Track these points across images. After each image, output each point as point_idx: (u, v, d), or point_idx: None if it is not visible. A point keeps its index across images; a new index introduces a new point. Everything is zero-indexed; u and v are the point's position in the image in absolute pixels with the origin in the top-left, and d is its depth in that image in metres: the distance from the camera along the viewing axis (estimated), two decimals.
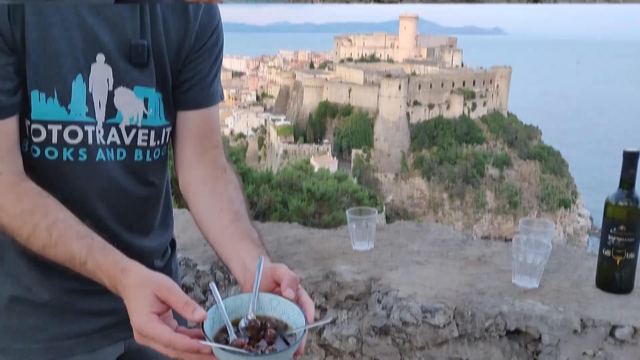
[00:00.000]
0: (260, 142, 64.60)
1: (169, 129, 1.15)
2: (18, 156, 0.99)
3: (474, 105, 60.50)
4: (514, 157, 57.79)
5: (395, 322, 1.41)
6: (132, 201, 1.13)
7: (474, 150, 57.15)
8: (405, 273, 1.57)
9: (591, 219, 55.87)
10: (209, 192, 1.15)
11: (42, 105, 0.98)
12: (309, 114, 62.47)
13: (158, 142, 1.13)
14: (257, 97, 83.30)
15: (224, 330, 0.88)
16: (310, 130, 60.98)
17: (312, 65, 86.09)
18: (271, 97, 79.48)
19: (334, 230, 2.00)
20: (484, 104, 61.41)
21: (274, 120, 63.29)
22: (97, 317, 1.14)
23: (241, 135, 66.60)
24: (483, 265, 1.62)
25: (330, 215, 6.43)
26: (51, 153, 1.01)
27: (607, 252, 1.43)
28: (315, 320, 0.87)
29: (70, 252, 0.93)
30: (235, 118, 68.32)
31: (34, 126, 0.99)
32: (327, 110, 61.15)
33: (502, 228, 51.65)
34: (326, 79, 64.57)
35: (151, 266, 1.22)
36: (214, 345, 0.82)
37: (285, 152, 54.89)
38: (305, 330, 0.87)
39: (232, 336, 0.87)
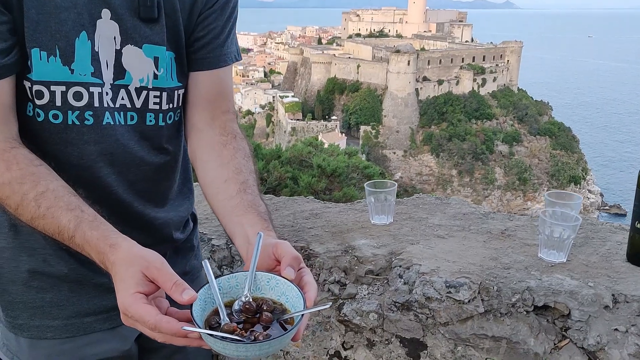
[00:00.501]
0: (268, 119, 64.38)
1: (181, 91, 1.08)
2: (12, 121, 0.93)
3: (484, 81, 59.73)
4: (523, 134, 57.21)
5: (418, 297, 1.37)
6: (145, 169, 1.07)
7: (483, 127, 56.62)
8: (426, 247, 1.52)
9: (601, 195, 55.48)
10: (215, 160, 1.08)
11: (43, 64, 0.91)
12: (317, 91, 62.04)
13: (171, 105, 1.06)
14: (265, 74, 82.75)
15: (216, 312, 0.82)
16: (318, 107, 60.61)
17: (320, 41, 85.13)
18: (279, 73, 78.92)
19: (350, 204, 1.94)
20: (494, 79, 60.60)
21: (282, 97, 62.94)
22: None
23: (249, 113, 66.38)
24: (507, 239, 1.57)
25: (341, 192, 6.37)
26: (55, 117, 0.95)
27: None
28: (315, 304, 0.83)
29: (58, 225, 0.87)
30: (243, 95, 68.01)
31: (35, 87, 0.93)
32: (335, 87, 60.67)
33: (511, 204, 51.49)
34: (334, 55, 63.90)
35: (169, 238, 1.18)
36: (200, 331, 0.76)
37: (294, 129, 54.69)
38: (302, 315, 0.80)
39: (224, 320, 0.80)
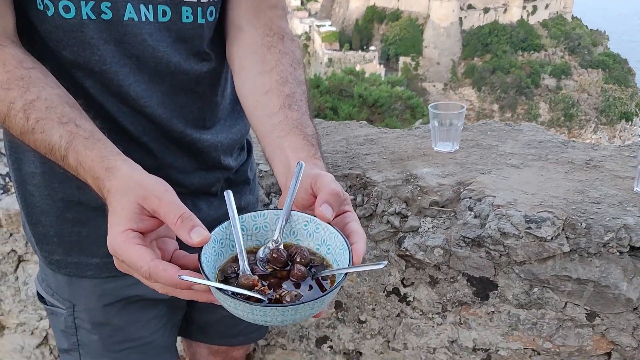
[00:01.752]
0: (305, 50, 62.98)
1: None
2: (4, 15, 0.76)
3: (535, 9, 56.18)
4: (574, 66, 54.27)
5: (492, 232, 1.21)
6: (183, 79, 0.89)
7: (529, 59, 53.95)
8: (500, 177, 1.35)
9: None
10: (256, 66, 0.87)
11: None
12: (355, 20, 59.84)
13: None
14: (302, 2, 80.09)
15: (235, 260, 0.64)
16: (356, 36, 58.69)
17: None
18: (316, 1, 76.25)
19: (408, 130, 1.76)
20: (546, 6, 56.89)
21: (318, 26, 61.10)
22: None
23: None
24: (593, 171, 1.37)
25: (382, 123, 6.14)
26: (66, 9, 0.77)
27: None
28: (364, 262, 0.64)
29: (49, 142, 0.70)
30: None
31: None
32: (374, 16, 58.30)
33: None
34: None
35: (218, 164, 1.02)
36: (204, 282, 0.57)
37: (330, 60, 53.44)
38: (346, 275, 0.60)
39: (245, 269, 0.62)
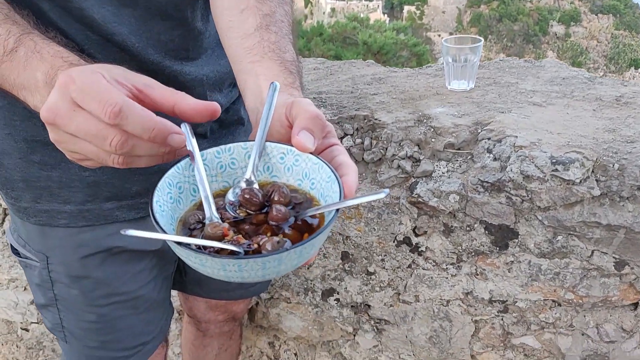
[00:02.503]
0: (307, 0, 61.16)
1: None
2: None
3: None
4: (584, 12, 52.65)
5: (514, 176, 1.10)
6: (158, 2, 0.76)
7: (538, 5, 52.30)
8: (521, 116, 1.22)
9: None
10: None
11: None
12: None
13: None
14: None
15: (200, 207, 0.52)
16: None
17: None
18: None
19: (419, 69, 1.63)
20: None
21: None
22: (149, 175, 0.83)
23: None
24: (625, 108, 1.24)
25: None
26: None
27: None
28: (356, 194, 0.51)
29: None
30: None
31: None
32: None
33: None
34: None
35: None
36: (160, 237, 0.47)
37: (333, 10, 52.02)
38: (337, 212, 0.48)
39: (213, 216, 0.50)
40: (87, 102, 0.47)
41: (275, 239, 0.48)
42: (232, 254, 0.47)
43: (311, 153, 0.53)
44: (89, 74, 0.48)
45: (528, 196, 1.10)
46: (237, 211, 0.53)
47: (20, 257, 0.92)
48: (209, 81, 0.89)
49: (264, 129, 0.55)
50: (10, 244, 0.95)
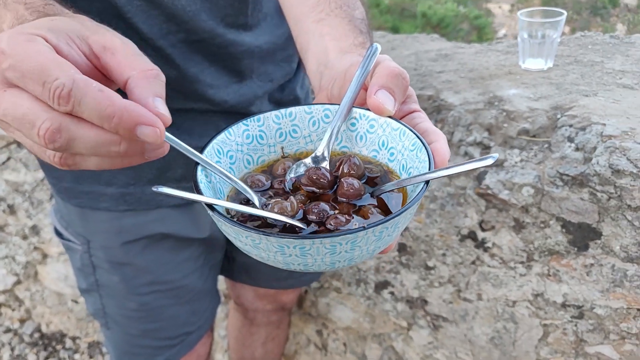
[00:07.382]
0: None
1: None
2: None
3: None
4: None
5: (600, 169, 0.97)
6: None
7: None
8: (609, 101, 1.08)
9: None
10: None
11: None
12: None
13: None
14: None
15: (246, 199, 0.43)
16: None
17: None
18: None
19: (488, 45, 1.48)
20: None
21: None
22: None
23: None
24: None
25: None
26: None
27: None
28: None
29: None
30: None
31: None
32: None
33: None
34: None
35: (251, 74, 0.82)
36: (208, 200, 0.38)
37: None
38: (427, 183, 0.38)
39: (260, 200, 0.42)
40: (25, 82, 0.35)
41: (348, 217, 0.39)
42: (293, 231, 0.38)
43: (390, 117, 0.44)
44: (23, 42, 0.35)
45: (617, 193, 0.97)
46: (299, 192, 0.44)
47: (63, 238, 0.89)
48: (261, 53, 0.81)
49: (354, 93, 0.45)
50: (54, 226, 0.91)
